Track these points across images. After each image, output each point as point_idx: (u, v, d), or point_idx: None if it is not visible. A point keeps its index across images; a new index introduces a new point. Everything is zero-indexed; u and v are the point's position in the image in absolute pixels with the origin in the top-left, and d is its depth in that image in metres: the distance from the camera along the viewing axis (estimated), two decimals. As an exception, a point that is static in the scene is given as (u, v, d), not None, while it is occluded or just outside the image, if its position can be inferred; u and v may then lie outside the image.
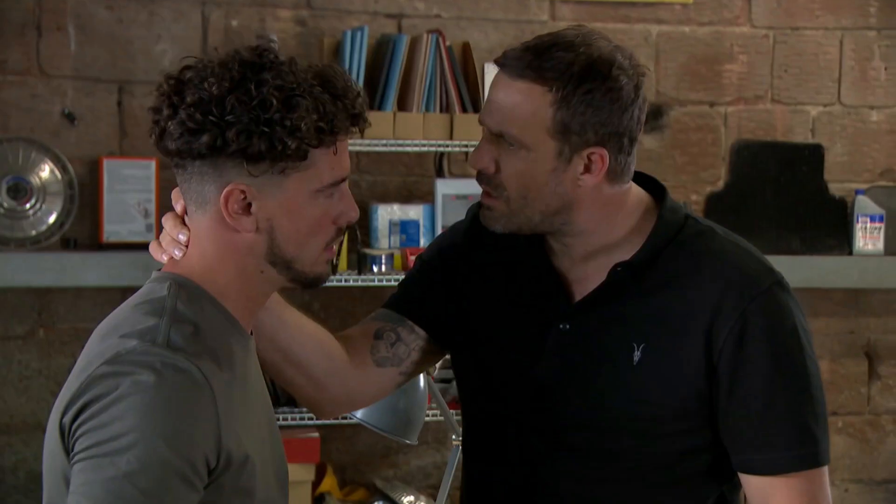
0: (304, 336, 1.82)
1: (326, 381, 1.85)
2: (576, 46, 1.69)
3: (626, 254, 1.76)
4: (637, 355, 1.74)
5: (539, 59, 1.68)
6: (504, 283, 1.85)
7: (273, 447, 1.64)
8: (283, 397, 3.69)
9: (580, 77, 1.68)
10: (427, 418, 1.99)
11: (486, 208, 1.76)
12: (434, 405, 2.03)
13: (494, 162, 1.72)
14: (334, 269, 3.68)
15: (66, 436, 1.44)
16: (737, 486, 1.83)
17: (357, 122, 1.55)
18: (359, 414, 1.82)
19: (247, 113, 1.47)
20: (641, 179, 1.83)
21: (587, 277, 1.79)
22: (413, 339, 1.90)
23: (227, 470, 1.47)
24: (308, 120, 1.48)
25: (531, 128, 1.69)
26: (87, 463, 1.39)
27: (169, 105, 1.50)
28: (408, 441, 1.85)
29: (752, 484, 1.76)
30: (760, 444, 1.73)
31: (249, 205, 1.52)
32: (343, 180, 1.58)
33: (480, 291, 1.87)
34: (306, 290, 1.61)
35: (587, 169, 1.72)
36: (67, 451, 1.43)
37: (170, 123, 1.49)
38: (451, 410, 2.66)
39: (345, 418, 3.77)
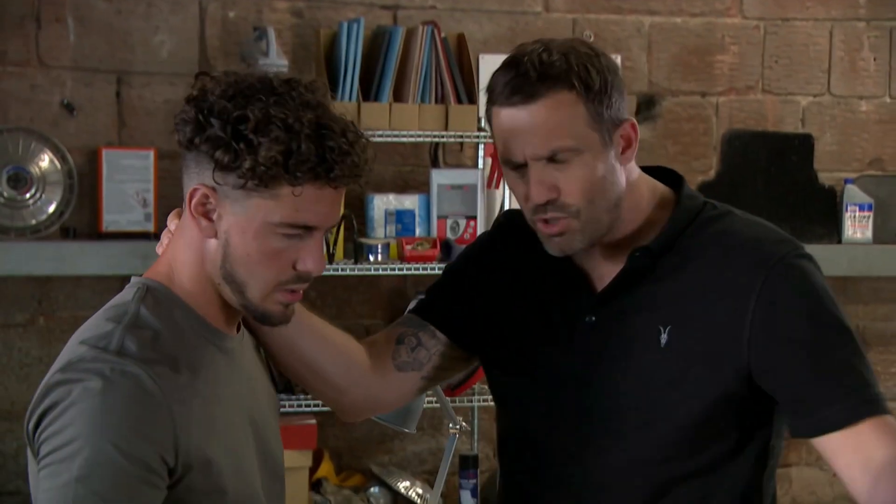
0: (324, 343, 1.83)
1: (347, 387, 1.86)
2: (555, 49, 1.72)
3: (645, 241, 1.79)
4: (664, 338, 1.74)
5: (546, 71, 1.70)
6: (529, 283, 1.87)
7: (259, 439, 1.66)
8: (280, 384, 3.70)
9: (579, 67, 1.71)
10: (423, 405, 2.00)
11: (561, 237, 1.75)
12: (431, 393, 2.04)
13: (555, 186, 1.72)
14: (331, 259, 3.68)
15: (32, 442, 1.50)
16: (771, 469, 1.83)
17: (327, 173, 1.51)
18: None
19: (225, 121, 1.50)
20: (660, 172, 1.86)
21: (609, 271, 1.80)
22: (434, 343, 1.91)
23: (190, 471, 1.50)
24: (271, 147, 1.49)
25: (576, 129, 1.71)
26: (46, 471, 1.45)
27: (187, 98, 1.56)
28: (406, 430, 1.86)
29: (832, 446, 1.72)
30: (826, 398, 1.71)
31: (213, 210, 1.54)
32: (311, 228, 1.55)
33: (506, 293, 1.89)
34: (258, 322, 1.61)
35: (628, 144, 1.76)
36: (35, 455, 1.49)
37: (183, 111, 1.55)
38: (448, 398, 2.67)
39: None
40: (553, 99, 1.70)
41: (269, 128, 1.49)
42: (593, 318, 1.80)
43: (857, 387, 1.71)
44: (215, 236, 1.55)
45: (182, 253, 1.60)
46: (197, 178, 1.54)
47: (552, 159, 1.71)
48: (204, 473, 1.51)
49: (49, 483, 1.44)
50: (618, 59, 3.97)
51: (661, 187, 1.84)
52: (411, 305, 1.88)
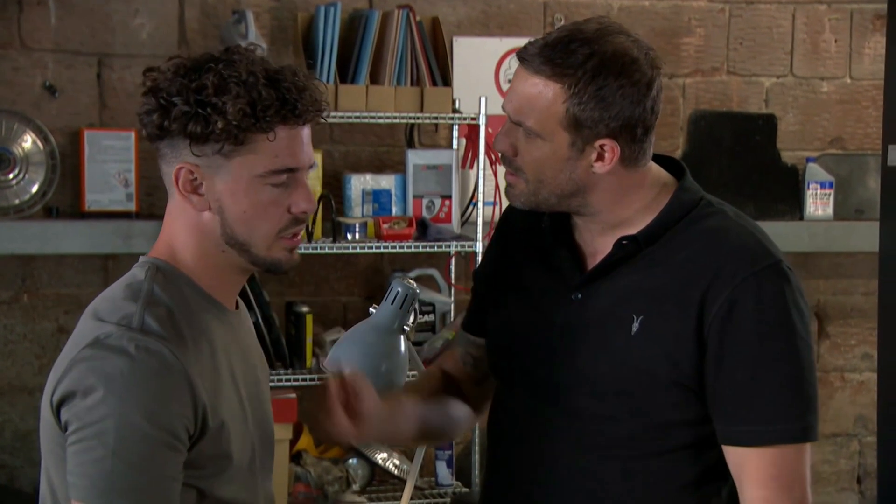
0: (442, 413, 2.01)
1: (467, 422, 2.09)
2: (591, 42, 1.73)
3: (637, 229, 1.81)
4: (636, 326, 1.77)
5: (556, 54, 1.73)
6: (531, 260, 1.91)
7: (255, 411, 1.70)
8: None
9: (593, 74, 1.72)
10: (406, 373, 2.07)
11: (510, 186, 1.83)
12: (412, 367, 2.12)
13: (513, 147, 1.79)
14: (309, 237, 3.68)
15: (57, 415, 1.54)
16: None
17: (292, 111, 1.58)
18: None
19: (186, 95, 1.55)
20: (666, 161, 1.87)
21: (602, 251, 1.83)
22: (480, 350, 2.03)
23: (204, 436, 1.56)
24: (236, 103, 1.54)
25: (546, 120, 1.75)
26: (78, 446, 1.50)
27: (147, 90, 1.60)
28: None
29: (731, 455, 1.77)
30: (741, 417, 1.74)
31: (200, 184, 1.59)
32: (294, 170, 1.61)
33: (511, 272, 1.94)
34: (270, 273, 1.68)
35: (599, 157, 1.77)
36: (62, 428, 1.54)
37: (143, 107, 1.60)
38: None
39: (323, 380, 3.80)
40: (545, 83, 1.74)
41: (228, 86, 1.55)
42: (579, 296, 1.83)
43: (783, 412, 1.73)
44: (209, 208, 1.60)
45: (180, 235, 1.64)
46: (176, 160, 1.59)
47: (520, 125, 1.78)
48: (214, 439, 1.57)
49: (84, 457, 1.50)
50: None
51: (665, 176, 1.85)
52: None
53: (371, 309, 1.97)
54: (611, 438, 1.80)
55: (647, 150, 1.80)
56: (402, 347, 1.95)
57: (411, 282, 1.94)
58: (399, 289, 1.93)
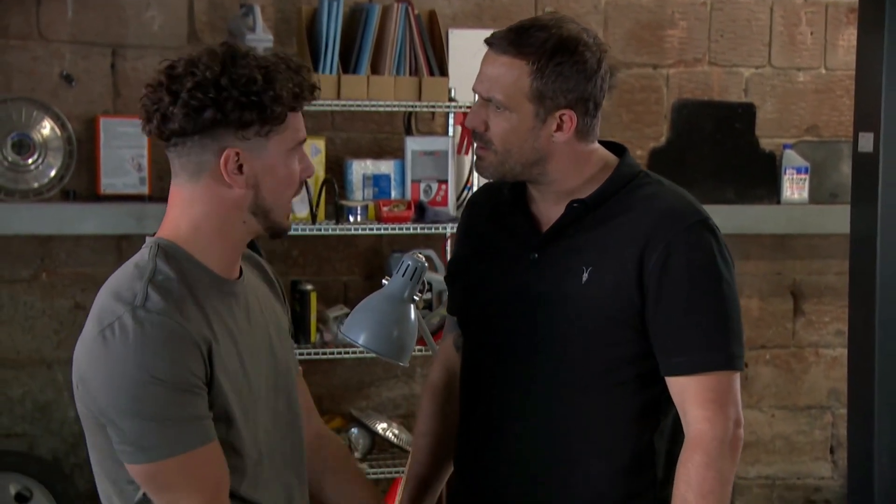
0: (447, 413, 2.17)
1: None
2: (549, 28, 1.93)
3: (584, 195, 1.99)
4: (585, 276, 1.94)
5: (519, 38, 1.92)
6: (493, 231, 2.08)
7: (269, 363, 1.82)
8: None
9: (552, 52, 1.91)
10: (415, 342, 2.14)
11: (479, 159, 2.00)
12: (422, 341, 2.22)
13: (485, 122, 1.96)
14: (313, 219, 3.71)
15: (83, 393, 1.66)
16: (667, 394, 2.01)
17: (313, 91, 1.76)
18: (360, 340, 2.01)
19: (238, 89, 1.67)
20: (611, 146, 2.04)
21: (556, 217, 2.00)
22: None
23: (212, 386, 1.68)
24: (286, 88, 1.69)
25: (513, 94, 1.93)
26: (113, 421, 1.63)
27: (169, 93, 1.67)
28: (401, 363, 2.05)
29: (672, 386, 1.94)
30: (679, 348, 1.91)
31: (241, 165, 1.71)
32: (301, 142, 1.77)
33: (476, 246, 2.11)
34: (274, 238, 1.81)
35: (559, 127, 1.95)
36: (94, 406, 1.66)
37: (171, 108, 1.67)
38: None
39: (327, 354, 3.82)
40: (511, 61, 1.93)
41: (271, 76, 1.68)
42: (536, 256, 2.00)
43: (713, 342, 1.91)
44: (245, 185, 1.72)
45: (197, 215, 1.73)
46: (218, 147, 1.69)
47: (490, 101, 1.95)
48: (215, 395, 1.68)
49: (125, 424, 1.63)
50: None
51: (609, 155, 2.03)
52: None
53: (384, 281, 2.07)
54: (565, 376, 1.97)
55: (596, 127, 1.99)
56: (412, 316, 2.05)
57: (420, 256, 2.05)
58: (409, 262, 2.04)
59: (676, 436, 1.96)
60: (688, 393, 1.90)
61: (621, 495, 1.97)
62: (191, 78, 1.66)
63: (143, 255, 1.73)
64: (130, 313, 1.63)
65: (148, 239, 1.76)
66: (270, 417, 1.81)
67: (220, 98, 1.65)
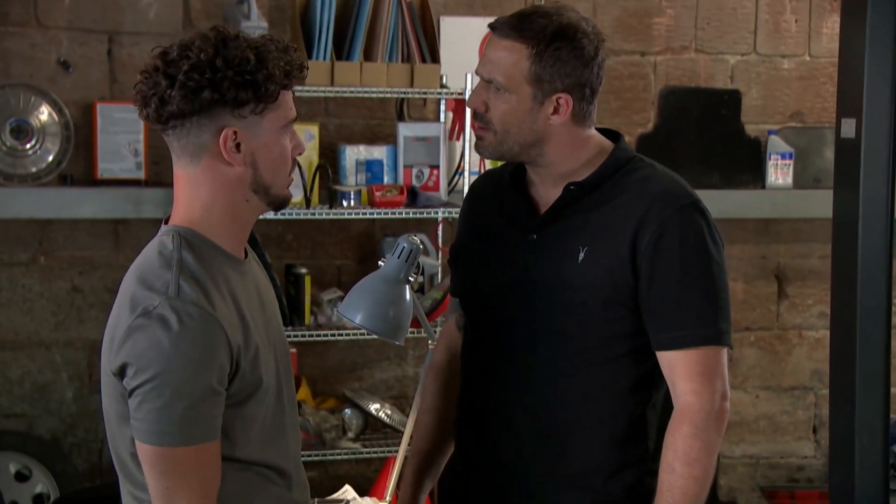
0: (450, 389, 2.23)
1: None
2: (550, 15, 1.99)
3: (580, 178, 2.04)
4: (581, 255, 2.00)
5: (521, 23, 1.99)
6: (494, 215, 2.13)
7: (275, 342, 1.85)
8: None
9: (551, 38, 1.98)
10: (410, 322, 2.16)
11: (479, 139, 2.06)
12: (416, 322, 2.25)
13: (485, 103, 2.02)
14: (308, 204, 3.71)
15: (120, 377, 1.70)
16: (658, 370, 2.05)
17: (302, 70, 1.79)
18: (357, 319, 2.06)
19: (232, 68, 1.70)
20: (607, 133, 2.10)
21: (553, 200, 2.05)
22: None
23: (239, 371, 1.73)
24: (278, 67, 1.73)
25: (513, 75, 1.99)
26: (139, 399, 1.68)
27: (165, 77, 1.70)
28: (396, 342, 2.11)
29: (663, 360, 1.99)
30: (669, 324, 1.97)
31: (239, 144, 1.74)
32: (293, 120, 1.81)
33: (477, 229, 2.16)
34: (277, 210, 1.85)
35: (556, 110, 2.00)
36: (125, 388, 1.70)
37: (169, 91, 1.70)
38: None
39: (321, 336, 3.82)
40: (512, 45, 1.99)
41: (263, 55, 1.72)
42: (535, 237, 2.05)
43: (702, 318, 1.96)
44: (243, 163, 1.75)
45: (206, 197, 1.77)
46: (215, 127, 1.72)
47: (491, 83, 2.01)
48: (247, 370, 1.73)
49: (145, 407, 1.67)
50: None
51: (604, 141, 2.09)
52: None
53: (380, 262, 2.10)
54: (562, 351, 2.02)
55: (593, 112, 2.05)
56: (407, 296, 2.09)
57: (415, 238, 2.09)
58: (405, 244, 2.07)
59: (667, 410, 2.01)
60: (677, 367, 1.96)
61: (615, 466, 2.02)
62: (186, 61, 1.69)
63: (166, 244, 1.76)
64: (167, 303, 1.67)
65: (164, 227, 1.79)
66: (286, 389, 1.86)
67: (216, 78, 1.69)
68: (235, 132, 1.73)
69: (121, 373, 1.69)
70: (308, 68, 1.82)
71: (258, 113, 1.73)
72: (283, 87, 1.74)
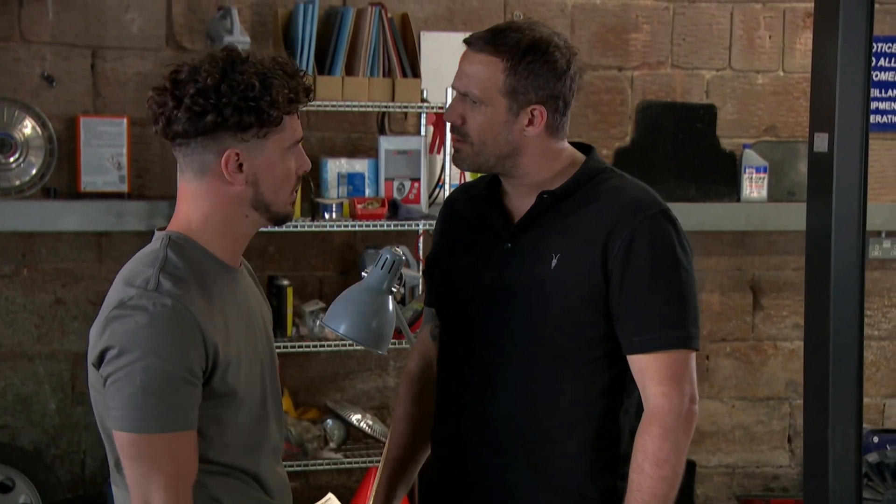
0: (426, 404, 2.22)
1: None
2: (523, 30, 2.02)
3: (553, 188, 2.07)
4: (554, 262, 2.02)
5: (495, 38, 2.02)
6: (469, 226, 2.15)
7: (263, 351, 1.88)
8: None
9: (524, 52, 2.00)
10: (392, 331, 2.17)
11: (457, 151, 2.09)
12: (399, 334, 2.25)
13: (462, 116, 2.05)
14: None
15: (98, 368, 1.73)
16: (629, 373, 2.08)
17: (308, 94, 1.83)
18: (341, 329, 2.07)
19: (237, 94, 1.74)
20: (580, 147, 2.12)
21: (527, 209, 2.08)
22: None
23: (216, 372, 1.75)
24: (282, 94, 1.75)
25: (488, 88, 2.02)
26: (114, 387, 1.70)
27: (173, 98, 1.75)
28: (379, 352, 2.12)
29: (633, 364, 2.01)
30: (640, 328, 1.99)
31: (241, 165, 1.78)
32: (298, 141, 1.84)
33: (453, 240, 2.18)
34: (277, 225, 1.88)
35: (530, 122, 2.03)
36: (102, 378, 1.73)
37: (175, 112, 1.75)
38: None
39: (303, 347, 3.81)
40: (487, 59, 2.02)
41: (267, 82, 1.75)
42: (509, 245, 2.08)
43: (671, 322, 1.99)
44: (245, 183, 1.79)
45: (205, 210, 1.80)
46: (219, 148, 1.76)
47: (467, 96, 2.04)
48: (222, 375, 1.75)
49: (119, 394, 1.70)
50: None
51: (577, 153, 2.12)
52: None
53: (363, 273, 2.11)
54: (537, 356, 2.04)
55: (566, 125, 2.08)
56: (390, 307, 2.10)
57: (398, 250, 2.10)
58: (388, 255, 2.08)
59: (640, 415, 2.02)
60: (647, 370, 1.98)
61: (588, 470, 2.04)
62: (193, 84, 1.74)
63: (155, 246, 1.80)
64: (144, 294, 1.70)
65: (158, 233, 1.83)
66: (271, 400, 1.87)
67: (220, 104, 1.73)
68: (238, 154, 1.77)
69: (100, 363, 1.72)
70: (314, 92, 1.85)
71: (261, 136, 1.76)
72: (286, 112, 1.77)
